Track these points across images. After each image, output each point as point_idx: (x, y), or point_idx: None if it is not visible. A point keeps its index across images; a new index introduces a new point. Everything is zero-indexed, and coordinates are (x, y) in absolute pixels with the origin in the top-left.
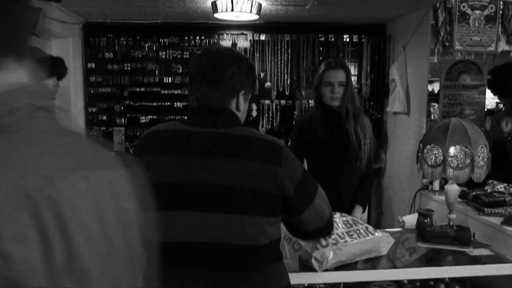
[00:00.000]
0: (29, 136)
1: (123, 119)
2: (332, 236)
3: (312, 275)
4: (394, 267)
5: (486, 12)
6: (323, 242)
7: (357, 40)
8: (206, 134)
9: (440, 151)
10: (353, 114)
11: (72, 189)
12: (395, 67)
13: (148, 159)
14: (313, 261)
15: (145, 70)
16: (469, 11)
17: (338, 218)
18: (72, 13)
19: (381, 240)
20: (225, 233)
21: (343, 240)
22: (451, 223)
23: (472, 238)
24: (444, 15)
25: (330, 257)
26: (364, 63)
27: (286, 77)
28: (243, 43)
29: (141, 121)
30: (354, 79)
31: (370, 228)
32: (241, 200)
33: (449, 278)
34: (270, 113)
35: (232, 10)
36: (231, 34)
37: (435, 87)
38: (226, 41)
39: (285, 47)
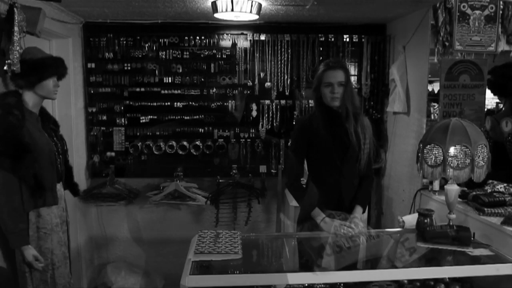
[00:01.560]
0: None
1: (123, 119)
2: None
3: (312, 275)
4: (394, 267)
5: (486, 12)
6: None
7: (357, 40)
8: None
9: (440, 151)
10: (353, 113)
11: None
12: (395, 67)
13: None
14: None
15: (145, 70)
16: (469, 11)
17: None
18: (72, 13)
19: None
20: None
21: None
22: (451, 223)
23: (472, 238)
24: (444, 15)
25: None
26: (364, 63)
27: (286, 77)
28: (243, 43)
29: (141, 121)
30: (354, 79)
31: (373, 232)
32: None
33: (449, 278)
34: (270, 113)
35: (232, 10)
36: (231, 34)
37: (435, 87)
38: (226, 41)
39: (285, 47)
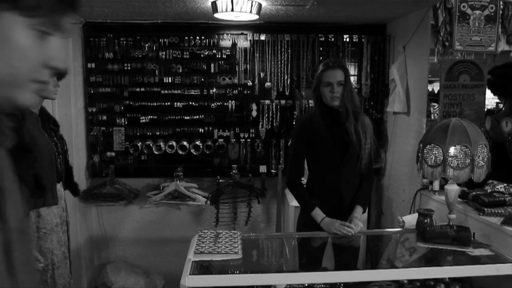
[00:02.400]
0: None
1: (123, 119)
2: None
3: (312, 275)
4: (394, 267)
5: (486, 12)
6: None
7: (357, 40)
8: None
9: (440, 151)
10: (353, 113)
11: None
12: (395, 67)
13: None
14: None
15: (145, 70)
16: (469, 11)
17: None
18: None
19: None
20: None
21: None
22: (451, 223)
23: (472, 238)
24: (444, 15)
25: None
26: (364, 63)
27: (286, 77)
28: (243, 43)
29: (141, 121)
30: (354, 79)
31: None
32: None
33: (449, 278)
34: (270, 113)
35: (232, 10)
36: (231, 34)
37: (435, 87)
38: (226, 41)
39: (285, 47)
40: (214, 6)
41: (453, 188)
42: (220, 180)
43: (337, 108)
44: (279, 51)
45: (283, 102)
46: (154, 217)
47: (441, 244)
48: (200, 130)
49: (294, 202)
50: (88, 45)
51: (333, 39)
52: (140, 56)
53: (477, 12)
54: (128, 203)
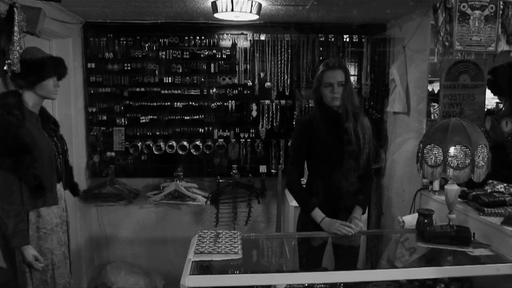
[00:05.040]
0: None
1: (123, 119)
2: None
3: (312, 275)
4: (394, 267)
5: (486, 12)
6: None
7: (357, 40)
8: None
9: (440, 151)
10: (352, 113)
11: None
12: (395, 67)
13: None
14: None
15: (145, 70)
16: (469, 11)
17: None
18: (72, 13)
19: None
20: None
21: None
22: (451, 223)
23: (472, 238)
24: (444, 15)
25: None
26: (364, 63)
27: (286, 77)
28: (243, 43)
29: (141, 121)
30: (354, 79)
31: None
32: None
33: (449, 278)
34: (270, 113)
35: (232, 10)
36: (231, 34)
37: (435, 87)
38: (226, 41)
39: (285, 47)
40: (214, 6)
41: (453, 188)
42: (220, 180)
43: (337, 109)
44: (279, 51)
45: (283, 102)
46: (154, 217)
47: (441, 244)
48: (200, 130)
49: (294, 202)
50: (88, 45)
51: (333, 39)
52: (140, 56)
53: (477, 12)
54: (128, 203)
